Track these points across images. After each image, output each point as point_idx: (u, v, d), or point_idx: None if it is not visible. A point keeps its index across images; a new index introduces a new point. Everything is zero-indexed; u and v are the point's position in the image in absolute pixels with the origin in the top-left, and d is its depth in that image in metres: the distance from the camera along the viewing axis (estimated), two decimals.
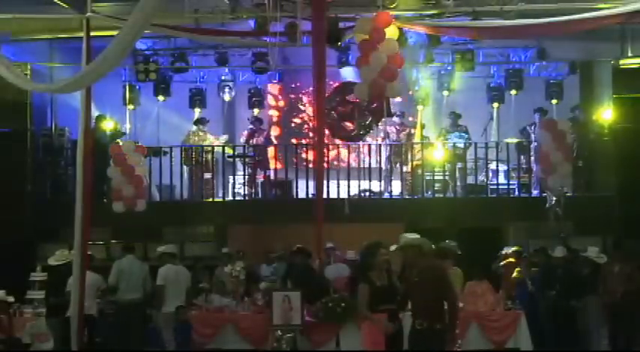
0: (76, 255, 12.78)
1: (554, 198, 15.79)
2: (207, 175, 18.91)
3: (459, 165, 18.84)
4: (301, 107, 21.03)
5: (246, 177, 19.01)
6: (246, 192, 18.94)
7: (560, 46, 18.70)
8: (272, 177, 19.16)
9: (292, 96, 21.10)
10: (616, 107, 17.20)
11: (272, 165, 19.56)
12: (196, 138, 19.03)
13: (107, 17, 13.94)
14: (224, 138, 19.57)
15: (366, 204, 18.18)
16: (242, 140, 19.48)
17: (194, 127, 19.18)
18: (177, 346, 13.39)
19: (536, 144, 16.87)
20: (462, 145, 18.77)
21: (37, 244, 17.20)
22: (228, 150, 19.23)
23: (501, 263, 15.92)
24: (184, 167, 19.05)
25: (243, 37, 16.86)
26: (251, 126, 19.35)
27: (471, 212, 18.03)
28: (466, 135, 18.98)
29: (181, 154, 18.91)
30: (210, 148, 18.88)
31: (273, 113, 21.17)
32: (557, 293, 14.15)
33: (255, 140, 19.28)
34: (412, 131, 19.29)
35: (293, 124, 21.05)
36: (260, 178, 19.04)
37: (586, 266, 14.84)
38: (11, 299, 13.57)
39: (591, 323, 14.63)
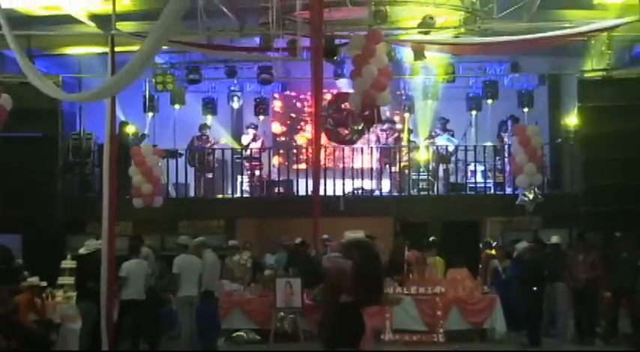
0: (104, 246, 12.80)
1: (528, 198, 15.85)
2: (210, 175, 18.95)
3: (444, 166, 18.88)
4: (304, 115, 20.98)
5: (249, 177, 19.06)
6: (252, 190, 18.99)
7: (531, 60, 18.76)
8: (274, 177, 19.18)
9: (293, 115, 20.98)
10: (581, 115, 17.23)
11: (275, 162, 19.57)
12: (200, 143, 19.09)
13: (129, 35, 14.00)
14: (226, 138, 19.64)
15: (359, 201, 18.22)
16: (244, 143, 19.49)
17: (198, 133, 19.24)
18: (201, 328, 13.29)
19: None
20: (451, 148, 18.81)
21: (66, 236, 17.23)
22: (236, 147, 19.29)
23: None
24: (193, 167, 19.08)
25: (250, 52, 16.91)
26: (253, 132, 19.37)
27: (452, 208, 18.08)
28: (455, 139, 19.07)
29: (192, 156, 18.95)
30: (211, 150, 18.92)
31: (277, 125, 21.17)
32: (527, 280, 14.17)
33: (255, 144, 19.29)
34: (401, 135, 19.30)
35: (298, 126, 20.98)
36: (261, 178, 19.05)
37: (552, 256, 14.92)
38: (44, 284, 13.63)
39: (559, 306, 14.70)
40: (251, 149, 19.22)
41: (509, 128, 18.40)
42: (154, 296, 13.78)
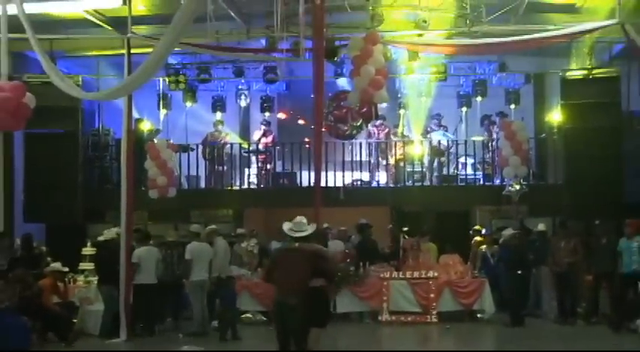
0: (123, 234, 12.84)
1: (515, 188, 15.86)
2: (220, 168, 18.94)
3: (439, 159, 18.79)
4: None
5: (258, 169, 19.04)
6: (259, 181, 18.98)
7: (517, 60, 18.73)
8: (280, 169, 19.16)
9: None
10: (563, 111, 17.18)
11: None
12: (213, 138, 19.07)
13: (144, 37, 13.98)
14: (228, 134, 19.61)
15: (358, 191, 18.20)
16: (255, 138, 19.45)
17: (212, 128, 19.22)
18: (223, 311, 13.34)
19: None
20: (445, 142, 18.74)
21: (86, 225, 17.22)
22: (244, 145, 19.26)
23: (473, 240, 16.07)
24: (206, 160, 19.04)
25: (256, 53, 16.89)
26: (264, 128, 19.34)
27: (444, 198, 18.04)
28: (449, 134, 19.04)
29: (204, 150, 18.92)
30: (222, 145, 18.88)
31: (281, 116, 21.08)
32: (512, 265, 14.21)
33: (265, 139, 19.26)
34: (391, 130, 19.19)
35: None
36: (268, 170, 19.03)
37: (538, 242, 14.94)
38: (66, 269, 13.65)
39: (543, 288, 14.74)
40: (257, 143, 19.17)
41: (498, 123, 18.38)
42: (164, 280, 13.88)
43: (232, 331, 12.83)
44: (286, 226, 9.08)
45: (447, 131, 19.11)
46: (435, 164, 18.88)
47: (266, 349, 8.54)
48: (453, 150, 18.73)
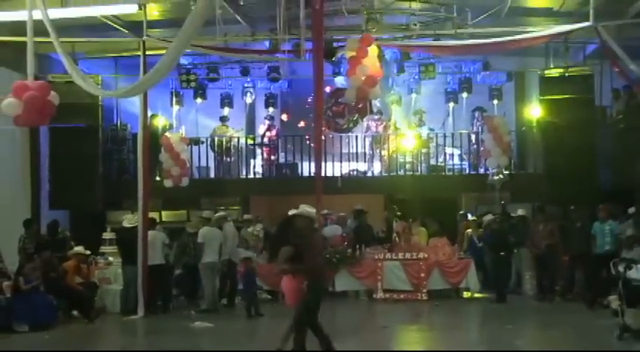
0: (140, 220, 12.89)
1: (498, 177, 15.89)
2: (229, 159, 18.92)
3: (424, 150, 18.79)
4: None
5: (262, 160, 19.04)
6: (263, 171, 18.98)
7: (500, 59, 18.69)
8: (282, 160, 19.14)
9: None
10: (542, 106, 17.16)
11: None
12: (220, 132, 19.05)
13: (158, 39, 13.97)
14: (240, 129, 19.59)
15: (355, 180, 18.21)
16: (260, 132, 19.44)
17: (219, 123, 19.20)
18: (244, 290, 13.44)
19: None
20: (433, 135, 18.73)
21: (106, 212, 17.24)
22: (249, 140, 19.27)
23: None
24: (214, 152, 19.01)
25: (260, 54, 16.86)
26: (268, 122, 19.33)
27: (433, 186, 18.04)
28: (433, 128, 19.03)
29: (213, 143, 18.90)
30: (230, 138, 18.87)
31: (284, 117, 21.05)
32: (494, 247, 14.26)
33: (269, 133, 19.25)
34: (387, 124, 19.17)
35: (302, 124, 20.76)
36: (272, 161, 19.01)
37: (519, 225, 14.97)
38: (88, 252, 13.71)
39: (523, 268, 14.79)
40: (262, 137, 19.17)
41: (477, 116, 18.41)
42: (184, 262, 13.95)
43: (255, 308, 12.89)
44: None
45: (424, 126, 19.04)
46: (423, 154, 18.85)
47: (273, 326, 8.56)
48: (440, 141, 18.70)
